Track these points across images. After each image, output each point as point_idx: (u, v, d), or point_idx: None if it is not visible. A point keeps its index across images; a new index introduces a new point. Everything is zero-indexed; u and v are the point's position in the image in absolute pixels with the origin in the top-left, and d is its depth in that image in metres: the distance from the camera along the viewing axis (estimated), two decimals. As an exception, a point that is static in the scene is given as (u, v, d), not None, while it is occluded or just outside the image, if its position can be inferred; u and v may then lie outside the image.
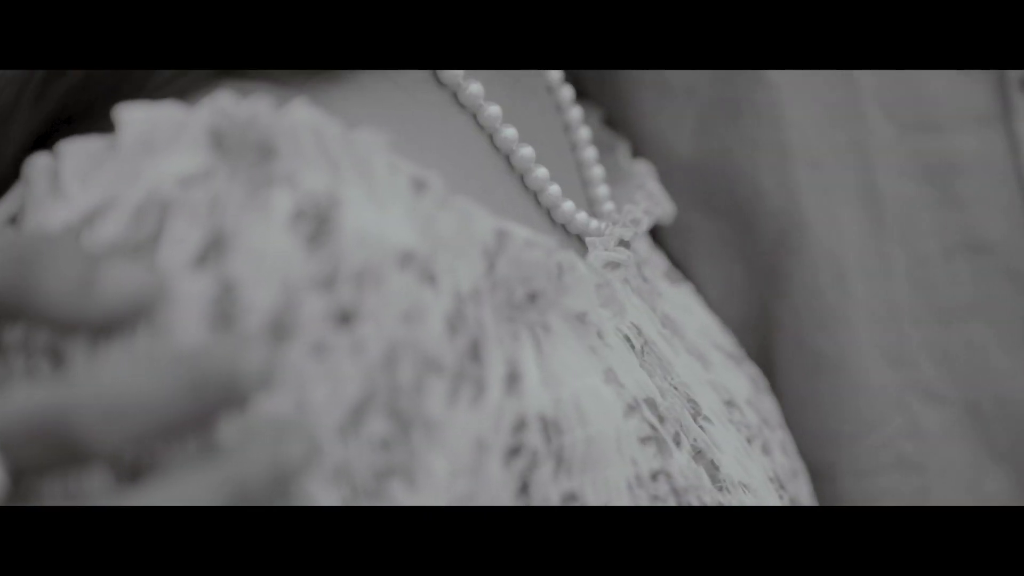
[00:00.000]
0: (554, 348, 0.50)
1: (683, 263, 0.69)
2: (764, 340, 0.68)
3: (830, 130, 0.67)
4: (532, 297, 0.50)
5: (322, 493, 0.44)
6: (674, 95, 0.68)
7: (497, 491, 0.48)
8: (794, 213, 0.67)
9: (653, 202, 0.64)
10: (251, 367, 0.42)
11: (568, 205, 0.57)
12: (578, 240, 0.58)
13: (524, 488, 0.48)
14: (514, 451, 0.48)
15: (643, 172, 0.67)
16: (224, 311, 0.44)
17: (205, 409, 0.42)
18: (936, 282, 0.68)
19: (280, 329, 0.44)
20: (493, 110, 0.56)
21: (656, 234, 0.69)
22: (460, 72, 0.55)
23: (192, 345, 0.43)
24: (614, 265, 0.56)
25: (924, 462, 0.67)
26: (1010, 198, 0.67)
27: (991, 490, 0.68)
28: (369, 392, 0.45)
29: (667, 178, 0.68)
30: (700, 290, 0.69)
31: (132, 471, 0.44)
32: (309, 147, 0.46)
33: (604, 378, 0.51)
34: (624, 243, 0.59)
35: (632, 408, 0.51)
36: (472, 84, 0.55)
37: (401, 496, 0.45)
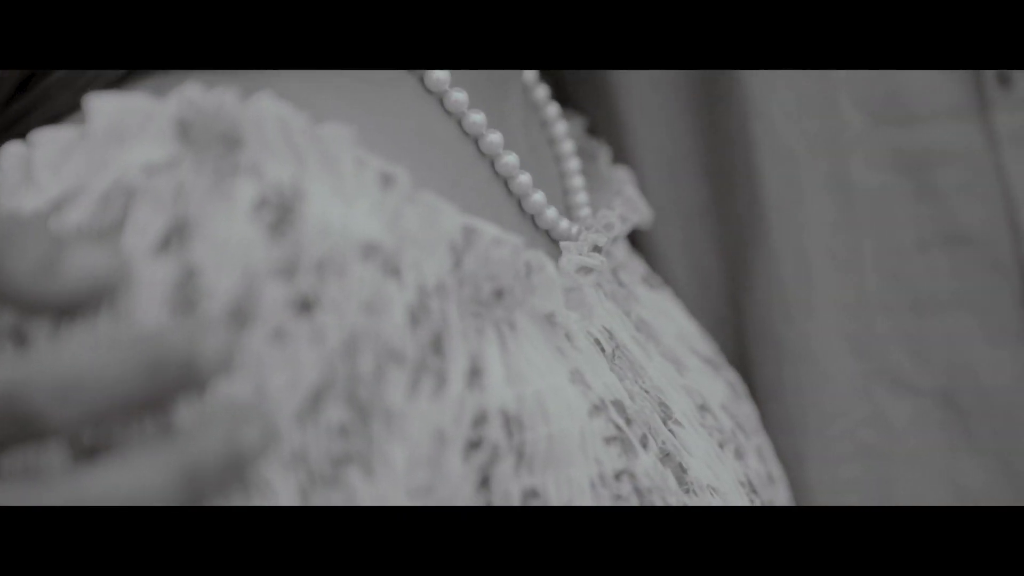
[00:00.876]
0: (519, 346, 0.51)
1: (661, 261, 0.69)
2: (738, 334, 0.69)
3: (803, 121, 0.67)
4: (498, 294, 0.50)
5: (278, 478, 0.45)
6: (655, 91, 0.69)
7: (457, 484, 0.48)
8: (757, 205, 0.68)
9: (630, 208, 0.65)
10: (210, 351, 0.43)
11: (538, 196, 0.57)
12: (553, 245, 0.58)
13: (485, 482, 0.49)
14: (474, 444, 0.49)
15: (622, 178, 0.67)
16: (185, 296, 0.45)
17: (163, 391, 0.43)
18: (910, 273, 0.67)
19: (240, 315, 0.45)
20: (460, 96, 0.55)
21: (635, 240, 0.69)
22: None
23: (152, 328, 0.43)
24: (587, 270, 0.57)
25: (889, 452, 0.67)
26: (990, 190, 0.67)
27: (967, 482, 0.67)
28: (328, 379, 0.46)
29: (649, 174, 0.69)
30: (677, 287, 0.69)
31: (90, 450, 0.44)
32: (275, 138, 0.47)
33: (570, 378, 0.52)
34: (597, 248, 0.59)
35: (598, 408, 0.52)
36: (437, 71, 0.55)
37: (358, 484, 0.46)
